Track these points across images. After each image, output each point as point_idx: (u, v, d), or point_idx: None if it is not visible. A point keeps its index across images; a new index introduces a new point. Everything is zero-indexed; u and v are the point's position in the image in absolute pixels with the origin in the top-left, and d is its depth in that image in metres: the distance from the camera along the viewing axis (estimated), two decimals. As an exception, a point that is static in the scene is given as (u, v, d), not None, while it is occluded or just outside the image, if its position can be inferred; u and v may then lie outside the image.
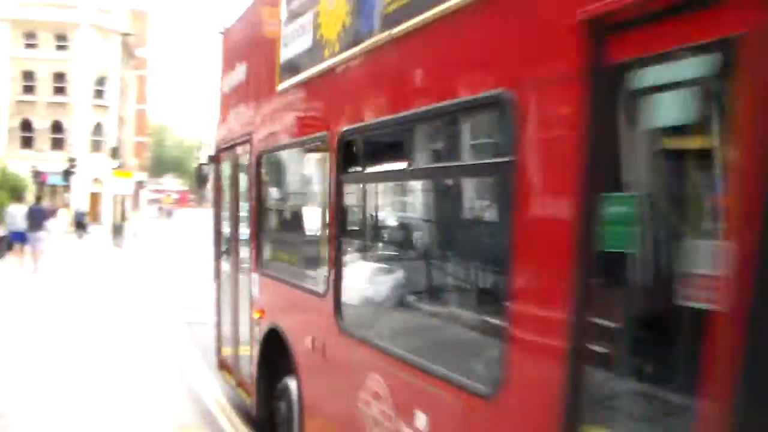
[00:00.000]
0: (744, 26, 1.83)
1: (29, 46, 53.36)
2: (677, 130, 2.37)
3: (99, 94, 54.53)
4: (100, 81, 54.65)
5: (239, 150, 7.05)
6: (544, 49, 2.58)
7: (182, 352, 10.02)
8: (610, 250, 2.39)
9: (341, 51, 4.41)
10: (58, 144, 52.41)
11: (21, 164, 40.20)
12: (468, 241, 4.22)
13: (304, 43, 5.06)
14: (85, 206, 39.35)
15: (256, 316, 6.29)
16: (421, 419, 3.34)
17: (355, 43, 4.19)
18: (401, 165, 4.53)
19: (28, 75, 53.14)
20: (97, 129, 54.46)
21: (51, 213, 26.72)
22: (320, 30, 4.74)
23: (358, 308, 4.64)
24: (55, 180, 43.48)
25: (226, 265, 7.83)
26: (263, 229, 6.52)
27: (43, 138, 52.92)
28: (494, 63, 2.95)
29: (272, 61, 5.75)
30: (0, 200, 22.61)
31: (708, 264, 2.06)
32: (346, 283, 4.47)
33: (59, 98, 53.32)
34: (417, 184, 4.72)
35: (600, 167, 2.33)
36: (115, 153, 38.24)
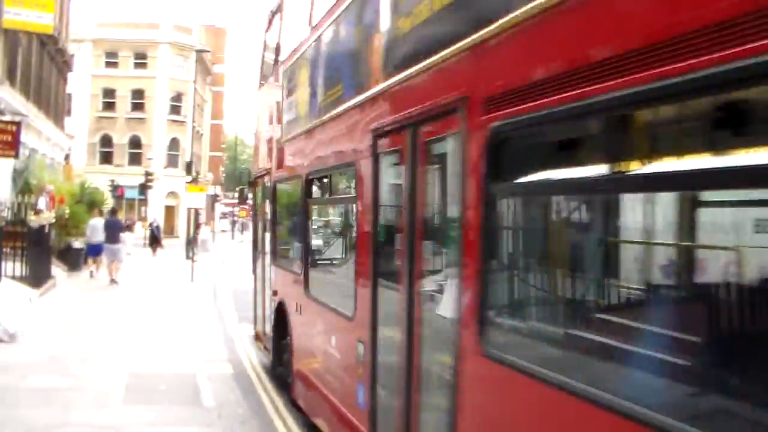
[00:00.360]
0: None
1: (110, 64, 54.94)
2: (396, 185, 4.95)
3: (175, 109, 55.68)
4: (177, 97, 55.80)
5: (265, 179, 9.94)
6: (363, 143, 5.30)
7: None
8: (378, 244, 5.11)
9: (306, 123, 7.20)
10: (135, 159, 53.64)
11: (100, 178, 41.13)
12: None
13: (293, 114, 7.90)
14: (160, 220, 39.92)
15: (271, 295, 9.17)
16: (333, 339, 6.33)
17: (311, 120, 6.99)
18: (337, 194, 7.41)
19: (109, 92, 54.68)
20: (173, 144, 55.57)
21: (127, 226, 27.15)
22: (298, 108, 7.63)
23: (314, 282, 7.28)
24: (132, 194, 44.35)
25: (259, 262, 10.40)
26: (276, 234, 9.48)
27: (121, 153, 54.28)
28: (350, 147, 5.74)
29: (279, 121, 8.61)
30: (79, 214, 22.89)
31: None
32: (312, 262, 7.54)
33: (137, 114, 54.69)
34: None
35: (378, 198, 5.07)
36: (189, 167, 38.71)
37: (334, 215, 7.81)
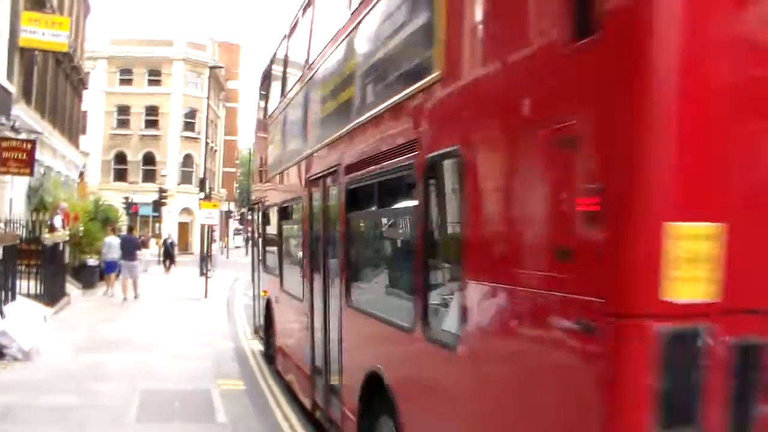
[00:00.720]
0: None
1: (124, 81, 55.37)
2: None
3: (189, 126, 55.98)
4: (191, 113, 56.14)
5: (258, 205, 13.03)
6: (303, 185, 8.17)
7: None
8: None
9: (278, 168, 10.32)
10: (149, 175, 53.94)
11: (114, 195, 41.35)
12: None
13: (272, 159, 11.04)
14: (174, 236, 40.02)
15: (262, 294, 12.03)
16: (294, 316, 8.80)
17: (281, 166, 10.02)
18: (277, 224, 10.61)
19: (123, 109, 55.08)
20: (187, 160, 55.83)
21: (142, 242, 27.26)
22: (275, 156, 10.82)
23: (285, 279, 9.78)
24: (147, 211, 44.56)
25: (256, 271, 13.05)
26: (263, 247, 12.36)
27: (135, 170, 54.60)
28: (298, 187, 8.49)
29: (266, 161, 11.60)
30: (93, 231, 22.96)
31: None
32: (282, 266, 10.11)
33: (151, 131, 55.05)
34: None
35: (312, 220, 7.93)
36: (203, 184, 38.83)
37: (295, 233, 9.64)
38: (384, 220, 5.97)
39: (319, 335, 7.27)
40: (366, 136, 5.70)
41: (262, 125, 12.07)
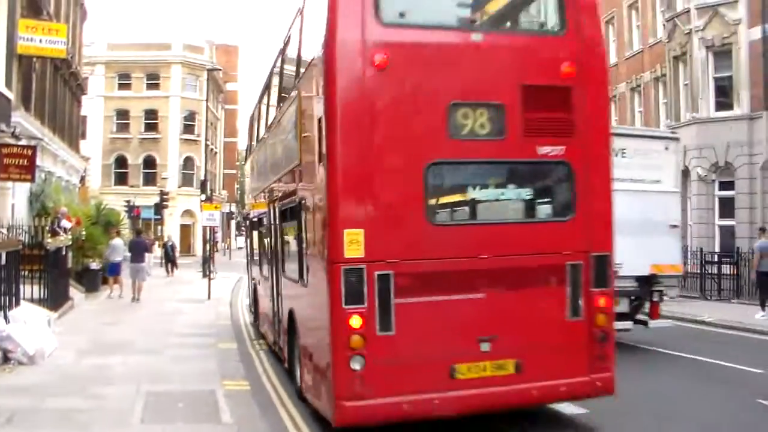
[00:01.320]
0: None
1: (122, 85, 55.45)
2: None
3: (189, 129, 56.07)
4: (190, 116, 56.22)
5: (249, 217, 17.26)
6: (267, 206, 12.50)
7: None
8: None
9: (256, 191, 14.82)
10: (150, 179, 54.06)
11: (116, 199, 41.42)
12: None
13: (254, 183, 15.73)
14: (175, 239, 40.08)
15: (251, 280, 16.17)
16: (266, 289, 12.72)
17: (257, 190, 14.34)
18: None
19: (122, 113, 55.17)
20: (188, 163, 55.92)
21: (150, 246, 27.38)
22: (255, 182, 15.24)
23: (261, 267, 13.79)
24: (148, 214, 44.62)
25: (248, 265, 17.40)
26: (251, 247, 16.80)
27: (136, 173, 54.70)
28: (265, 207, 12.85)
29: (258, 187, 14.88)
30: (95, 235, 23.03)
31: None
32: (259, 257, 14.44)
33: (151, 134, 55.14)
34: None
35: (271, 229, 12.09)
36: (204, 186, 38.91)
37: (262, 236, 13.76)
38: (291, 228, 9.80)
39: (273, 297, 11.44)
40: (280, 184, 10.46)
41: (249, 155, 17.50)
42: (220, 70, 59.36)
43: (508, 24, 8.74)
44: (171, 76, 55.86)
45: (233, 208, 70.06)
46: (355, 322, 6.75)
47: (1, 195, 19.76)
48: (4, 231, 16.03)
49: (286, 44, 10.37)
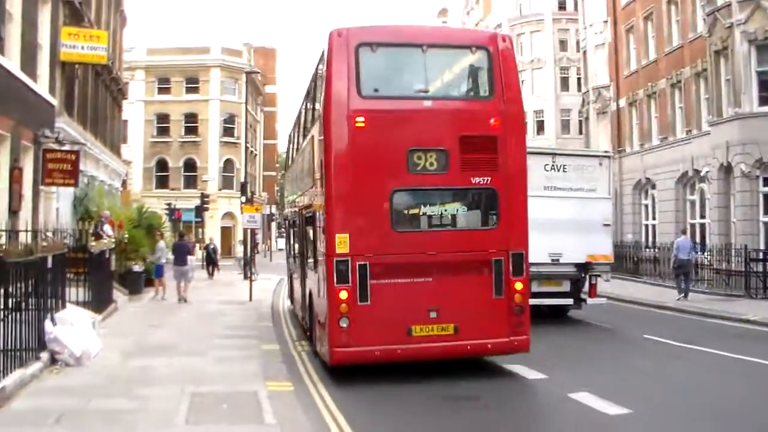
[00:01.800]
0: None
1: (162, 90, 56.12)
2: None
3: (228, 131, 56.54)
4: (230, 119, 56.69)
5: (287, 218, 22.18)
6: (298, 212, 16.25)
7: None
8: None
9: (290, 196, 18.69)
10: (191, 181, 54.64)
11: (157, 202, 41.90)
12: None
13: (288, 190, 20.84)
14: (217, 241, 40.42)
15: (288, 270, 19.64)
16: (297, 279, 16.10)
17: (292, 196, 18.31)
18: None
19: (162, 117, 55.83)
20: (228, 165, 56.39)
21: (193, 248, 27.70)
22: (290, 188, 19.31)
23: (297, 261, 16.12)
24: (189, 216, 45.04)
25: (288, 261, 19.93)
26: (288, 246, 20.47)
27: (176, 176, 55.32)
28: (298, 211, 15.79)
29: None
30: (137, 238, 23.30)
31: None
32: (296, 254, 16.82)
33: (191, 137, 55.70)
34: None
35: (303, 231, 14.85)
36: (244, 188, 39.16)
37: (296, 237, 16.67)
38: (309, 232, 12.95)
39: (301, 282, 14.62)
40: (303, 198, 13.92)
41: (285, 168, 20.94)
42: (258, 72, 59.73)
43: (452, 92, 11.64)
44: (210, 80, 56.39)
45: (273, 210, 70.44)
46: (343, 295, 10.03)
47: (46, 200, 20.08)
48: (50, 235, 16.26)
49: (308, 91, 13.64)
